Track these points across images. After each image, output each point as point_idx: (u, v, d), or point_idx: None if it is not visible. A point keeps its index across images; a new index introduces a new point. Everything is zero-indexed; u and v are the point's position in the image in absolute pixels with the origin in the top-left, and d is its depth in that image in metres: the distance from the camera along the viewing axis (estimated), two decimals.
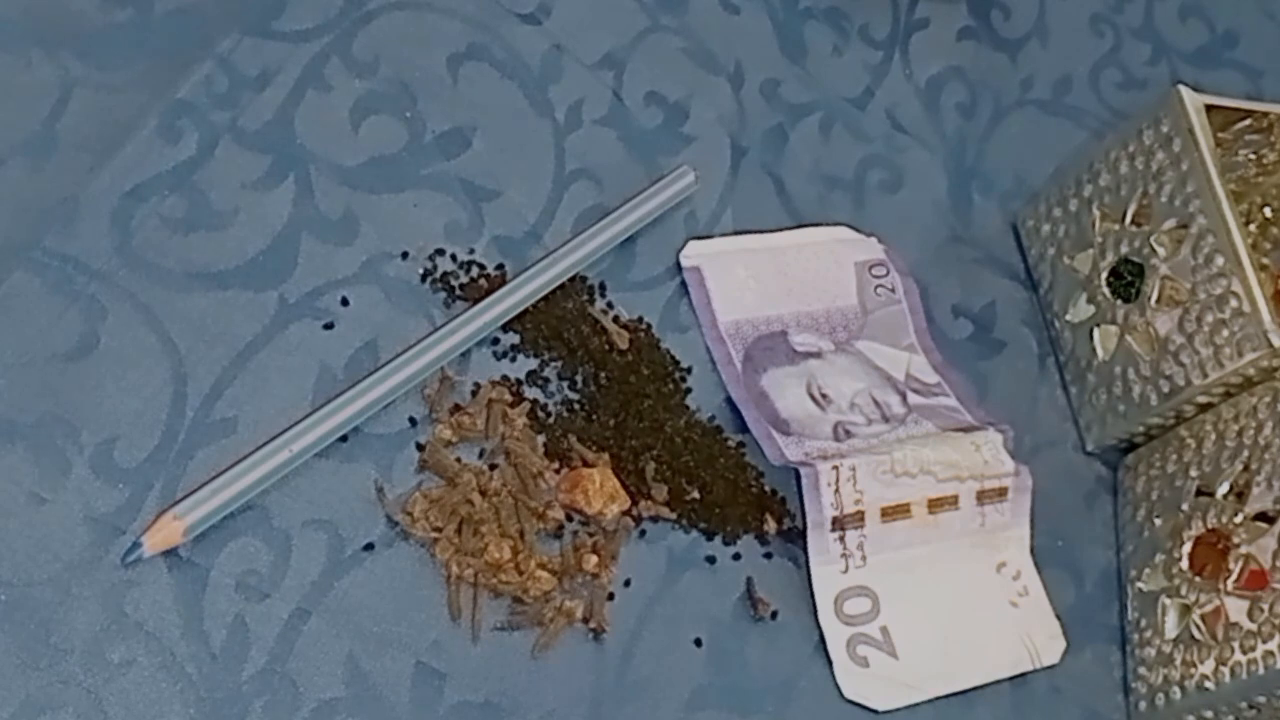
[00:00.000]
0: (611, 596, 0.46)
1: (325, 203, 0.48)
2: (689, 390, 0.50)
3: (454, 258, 0.49)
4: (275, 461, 0.42)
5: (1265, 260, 0.58)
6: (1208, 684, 0.50)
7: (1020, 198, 0.61)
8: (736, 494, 0.49)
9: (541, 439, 0.47)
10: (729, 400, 0.50)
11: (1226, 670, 0.49)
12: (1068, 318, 0.58)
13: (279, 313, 0.45)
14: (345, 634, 0.42)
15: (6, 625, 0.38)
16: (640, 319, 0.50)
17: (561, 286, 0.49)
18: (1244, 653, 0.48)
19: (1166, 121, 0.53)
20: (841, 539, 0.48)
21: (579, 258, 0.49)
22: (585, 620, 0.45)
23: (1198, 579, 0.51)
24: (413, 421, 0.45)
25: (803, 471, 0.48)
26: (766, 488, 0.50)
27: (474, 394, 0.46)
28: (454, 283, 0.48)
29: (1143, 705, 0.52)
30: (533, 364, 0.48)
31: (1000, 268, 0.59)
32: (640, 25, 0.56)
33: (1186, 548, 0.52)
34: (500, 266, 0.49)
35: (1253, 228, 0.59)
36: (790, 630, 0.48)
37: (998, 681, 0.51)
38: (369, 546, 0.43)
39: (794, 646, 0.48)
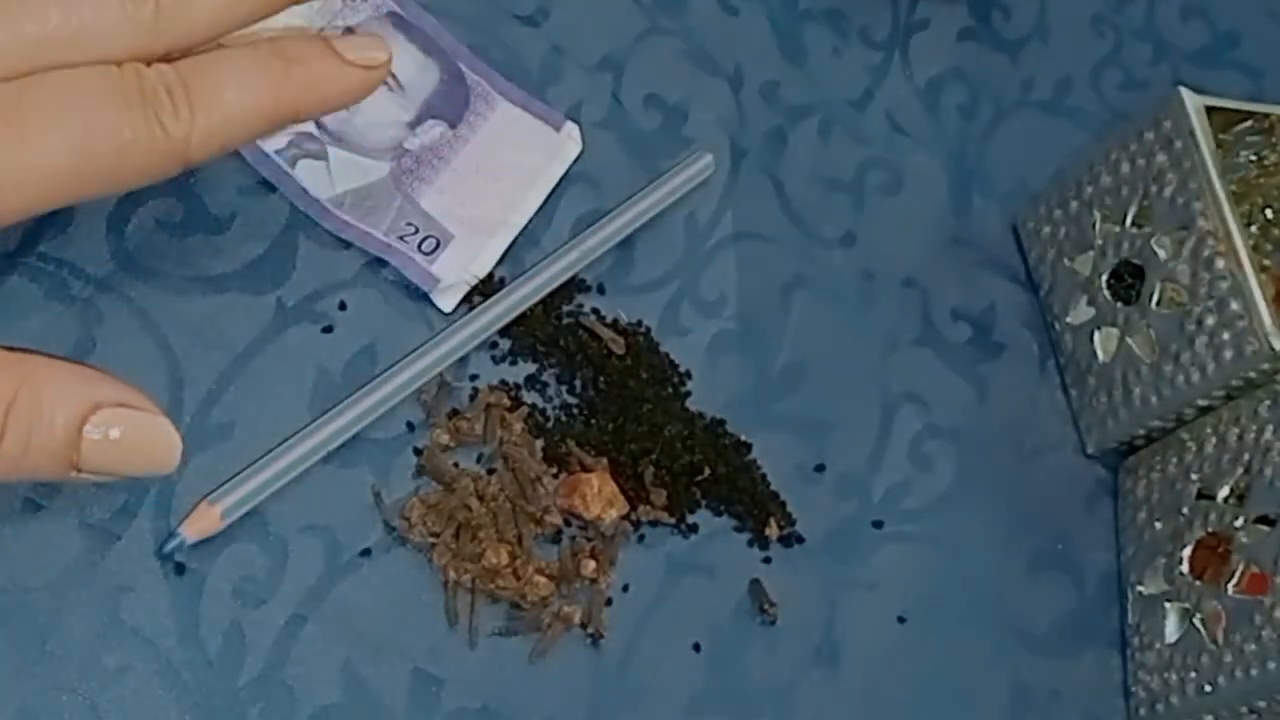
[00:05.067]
0: (610, 601, 0.46)
1: None
2: (688, 394, 0.50)
3: None
4: (306, 446, 0.43)
5: (1266, 262, 0.58)
6: (1208, 688, 0.49)
7: (1021, 199, 0.60)
8: (737, 498, 0.49)
9: (540, 444, 0.46)
10: None
11: (1227, 674, 0.49)
12: (1068, 320, 0.57)
13: (276, 316, 0.45)
14: (342, 640, 0.42)
15: (1, 632, 0.38)
16: (639, 322, 0.50)
17: (558, 291, 0.49)
18: (1245, 656, 0.48)
19: (1167, 123, 0.53)
20: None
21: (590, 246, 0.50)
22: (583, 625, 0.45)
23: (1198, 582, 0.51)
24: (410, 426, 0.45)
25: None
26: (768, 492, 0.50)
27: (472, 399, 0.46)
28: None
29: (1143, 710, 0.52)
30: (531, 369, 0.48)
31: (1000, 270, 0.59)
32: (639, 27, 0.56)
33: (1187, 551, 0.52)
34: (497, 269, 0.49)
35: (1254, 229, 0.59)
36: (790, 635, 0.48)
37: (995, 685, 0.51)
38: (366, 552, 0.43)
39: (794, 651, 0.48)
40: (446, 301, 0.47)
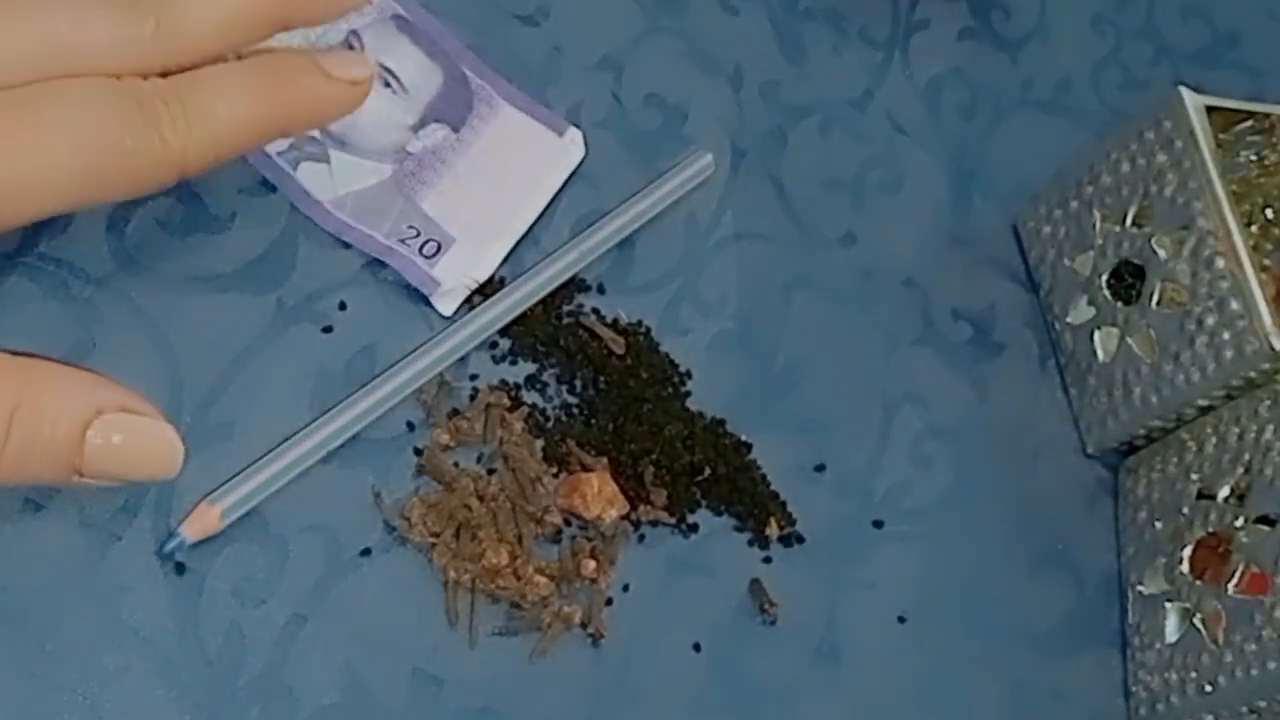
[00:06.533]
0: (610, 601, 0.46)
1: None
2: (688, 394, 0.50)
3: None
4: (306, 445, 0.43)
5: (1266, 262, 0.58)
6: (1208, 688, 0.49)
7: (1021, 199, 0.60)
8: (737, 498, 0.49)
9: (540, 443, 0.46)
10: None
11: (1227, 674, 0.49)
12: (1068, 320, 0.57)
13: (277, 316, 0.45)
14: (342, 640, 0.42)
15: (1, 632, 0.38)
16: (639, 322, 0.50)
17: (558, 291, 0.49)
18: (1245, 656, 0.48)
19: (1167, 123, 0.53)
20: None
21: (590, 246, 0.50)
22: (583, 625, 0.45)
23: (1199, 582, 0.51)
24: (410, 426, 0.45)
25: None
26: (768, 491, 0.50)
27: (472, 399, 0.46)
28: None
29: (1143, 710, 0.52)
30: (531, 368, 0.48)
31: (1001, 270, 0.59)
32: (639, 27, 0.56)
33: (1187, 551, 0.52)
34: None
35: (1254, 229, 0.59)
36: (790, 635, 0.48)
37: (995, 685, 0.51)
38: (366, 552, 0.43)
39: (794, 651, 0.48)
40: (447, 305, 0.47)
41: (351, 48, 0.49)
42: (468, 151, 0.49)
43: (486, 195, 0.49)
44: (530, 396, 0.47)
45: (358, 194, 0.47)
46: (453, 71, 0.50)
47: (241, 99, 0.39)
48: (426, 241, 0.47)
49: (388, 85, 0.49)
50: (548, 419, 0.47)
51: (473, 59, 0.51)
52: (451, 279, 0.47)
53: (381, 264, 0.47)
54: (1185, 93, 0.53)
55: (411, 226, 0.47)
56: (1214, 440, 0.52)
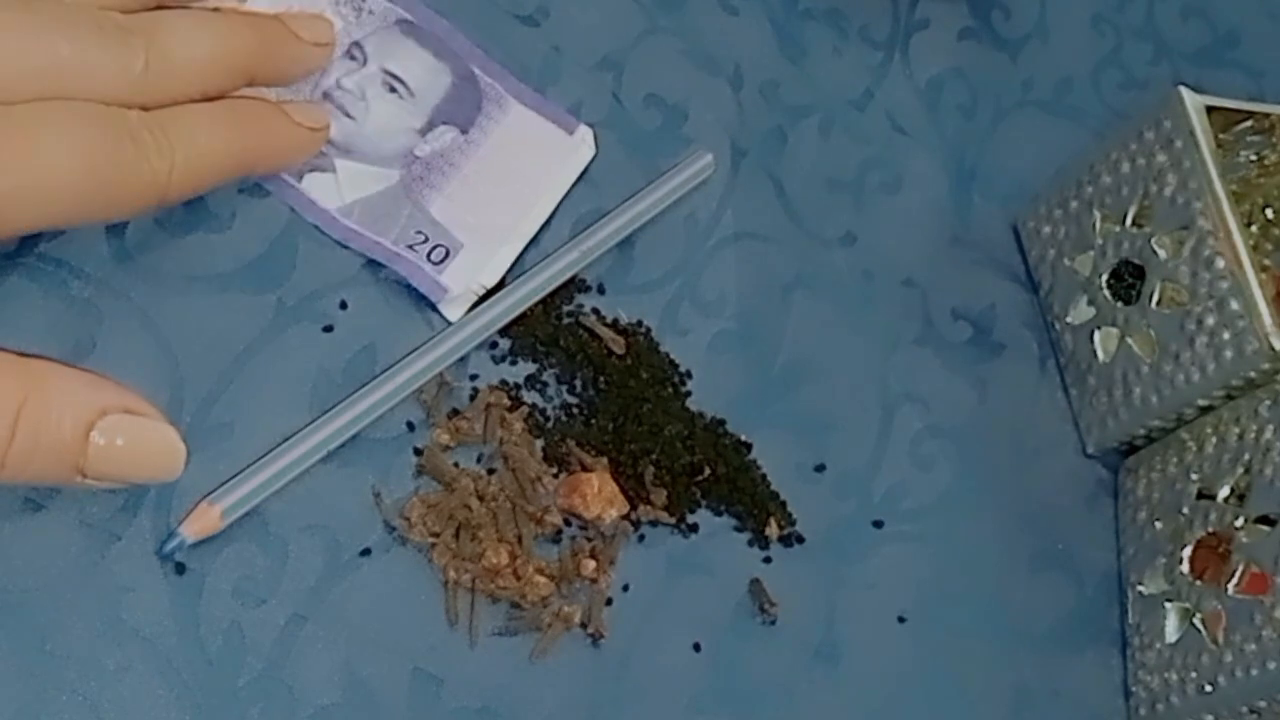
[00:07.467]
0: (610, 601, 0.46)
1: None
2: (688, 394, 0.50)
3: None
4: (306, 445, 0.43)
5: (1266, 262, 0.58)
6: (1208, 688, 0.49)
7: (1021, 199, 0.60)
8: (737, 498, 0.49)
9: (540, 443, 0.46)
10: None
11: (1227, 674, 0.49)
12: (1068, 320, 0.58)
13: (277, 316, 0.45)
14: (342, 640, 0.42)
15: (1, 632, 0.38)
16: (639, 322, 0.50)
17: (558, 291, 0.49)
18: (1245, 656, 0.48)
19: (1167, 123, 0.53)
20: None
21: (590, 246, 0.50)
22: (583, 625, 0.45)
23: (1199, 582, 0.51)
24: (410, 426, 0.45)
25: None
26: (768, 491, 0.50)
27: (472, 398, 0.46)
28: None
29: (1143, 710, 0.52)
30: (531, 369, 0.48)
31: (1000, 270, 0.59)
32: (639, 27, 0.56)
33: (1187, 551, 0.52)
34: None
35: (1254, 229, 0.59)
36: (790, 635, 0.48)
37: (995, 685, 0.51)
38: (366, 552, 0.43)
39: (794, 651, 0.48)
40: (454, 311, 0.47)
41: (354, 59, 0.49)
42: (476, 153, 0.49)
43: (495, 198, 0.49)
44: (530, 396, 0.47)
45: (365, 201, 0.47)
46: (461, 70, 0.50)
47: (218, 134, 0.42)
48: (435, 247, 0.47)
49: (394, 91, 0.49)
50: (548, 419, 0.47)
51: (481, 56, 0.51)
52: (459, 285, 0.47)
53: (381, 263, 0.47)
54: (1185, 93, 0.53)
55: (420, 232, 0.47)
56: (1214, 440, 0.52)
